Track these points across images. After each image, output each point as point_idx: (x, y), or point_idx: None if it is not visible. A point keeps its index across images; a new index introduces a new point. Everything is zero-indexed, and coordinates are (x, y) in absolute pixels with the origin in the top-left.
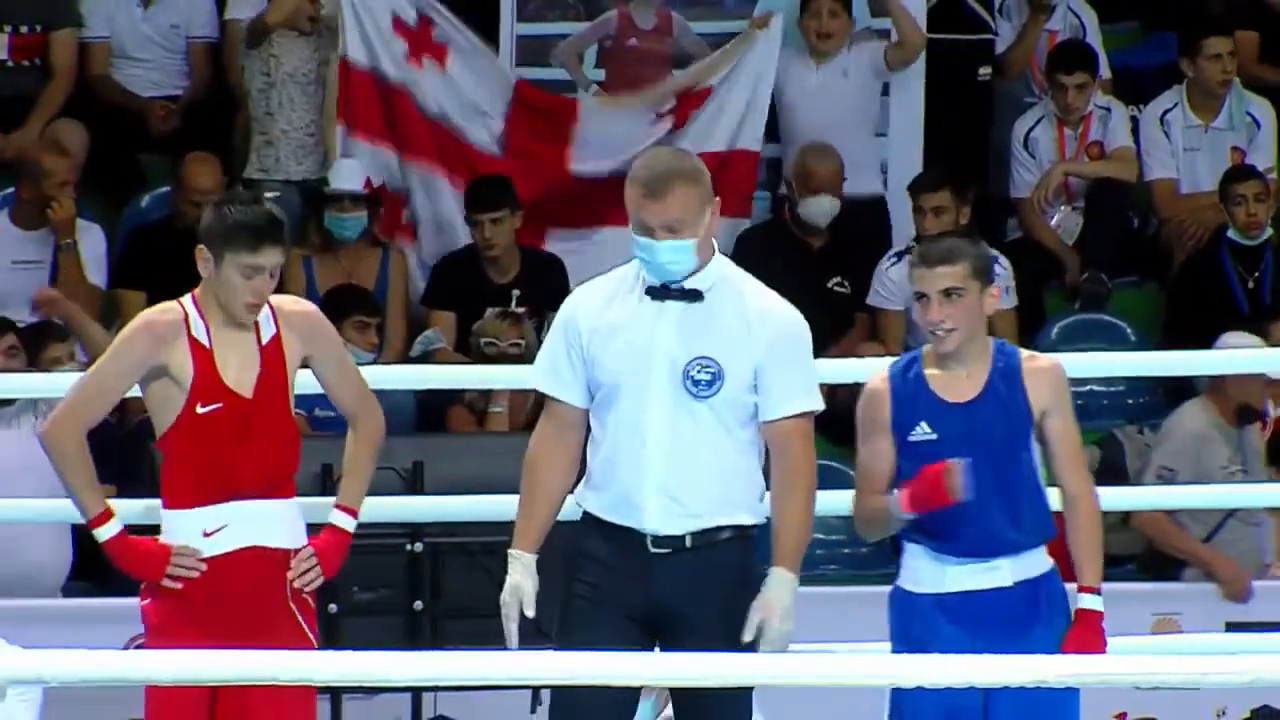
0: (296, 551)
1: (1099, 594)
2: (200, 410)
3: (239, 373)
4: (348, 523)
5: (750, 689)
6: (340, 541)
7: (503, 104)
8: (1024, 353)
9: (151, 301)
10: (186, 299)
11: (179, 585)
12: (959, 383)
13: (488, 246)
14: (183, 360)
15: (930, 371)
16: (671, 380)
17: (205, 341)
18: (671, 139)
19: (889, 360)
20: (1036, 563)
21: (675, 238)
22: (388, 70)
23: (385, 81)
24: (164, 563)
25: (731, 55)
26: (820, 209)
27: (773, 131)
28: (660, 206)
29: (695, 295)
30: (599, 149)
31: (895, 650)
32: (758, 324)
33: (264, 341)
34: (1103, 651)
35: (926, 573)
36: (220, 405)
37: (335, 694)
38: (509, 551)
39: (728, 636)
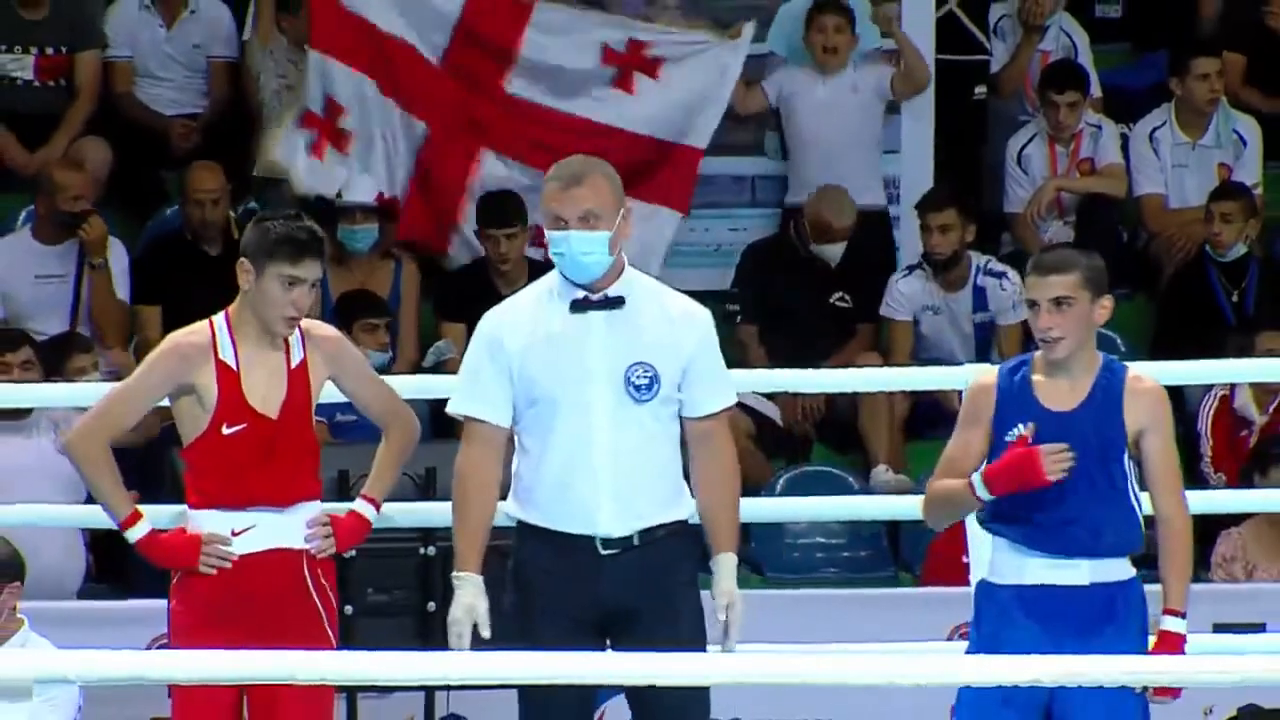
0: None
1: (1183, 617)
2: (225, 431)
3: (266, 393)
4: (369, 511)
5: (708, 689)
6: (359, 525)
7: (456, 8)
8: (1131, 372)
9: (167, 314)
10: (219, 317)
11: (213, 572)
12: (1062, 392)
13: (501, 260)
14: (208, 382)
15: (1037, 377)
16: (612, 388)
17: (233, 363)
18: (615, 97)
19: (890, 371)
20: (1116, 569)
21: (589, 229)
22: (350, 3)
23: (350, 13)
24: (196, 551)
25: (695, 40)
26: (833, 252)
27: (779, 146)
28: (576, 194)
29: (617, 302)
30: (540, 73)
31: (973, 639)
32: (681, 324)
33: (293, 365)
34: None
35: (1008, 564)
36: (245, 426)
37: (351, 693)
38: (454, 575)
39: (674, 630)
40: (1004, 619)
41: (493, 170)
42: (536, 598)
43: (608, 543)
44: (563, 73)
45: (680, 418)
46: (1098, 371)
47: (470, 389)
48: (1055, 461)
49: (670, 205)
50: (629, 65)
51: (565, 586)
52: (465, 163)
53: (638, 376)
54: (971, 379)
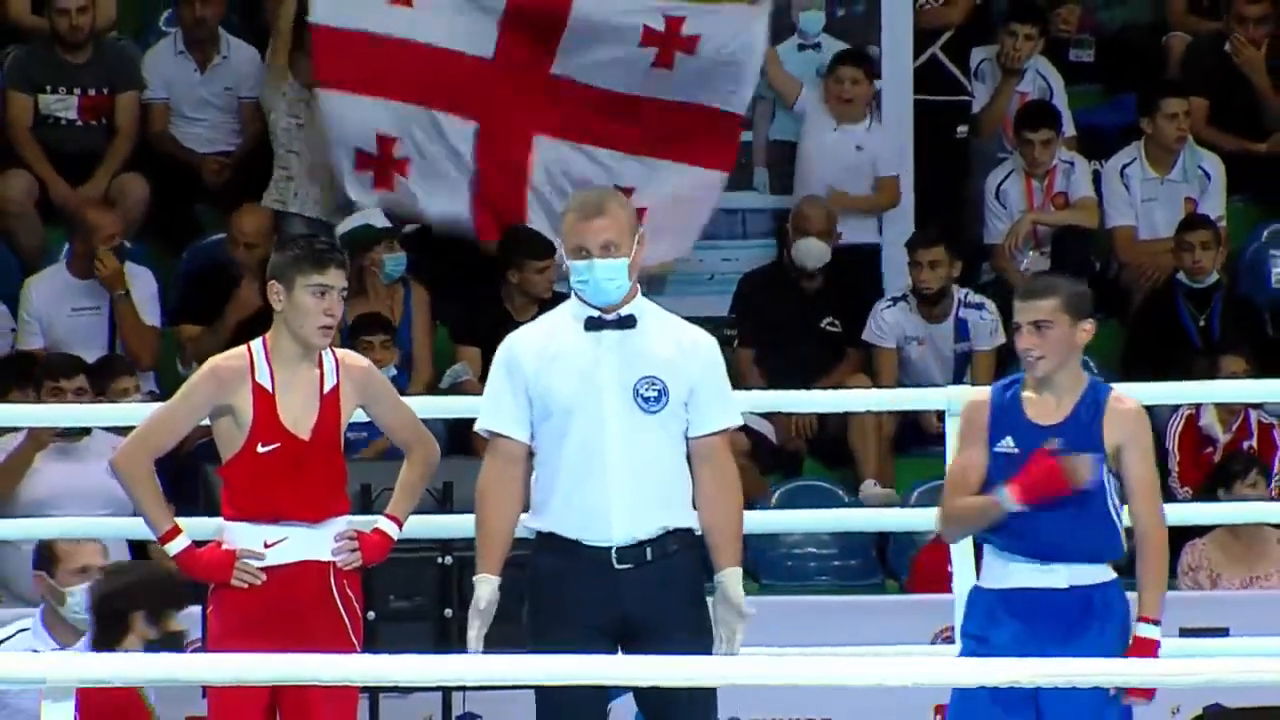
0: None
1: (1158, 625)
2: (260, 450)
3: (299, 415)
4: (392, 529)
5: (714, 690)
6: (383, 542)
7: (498, 7)
8: (1114, 392)
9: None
10: (256, 343)
11: (245, 586)
12: (1048, 408)
13: (525, 290)
14: (245, 404)
15: (1026, 394)
16: (622, 399)
17: (268, 385)
18: (656, 74)
19: (876, 393)
20: (1094, 573)
21: (610, 257)
22: (364, 24)
23: (363, 33)
24: (230, 566)
25: (721, 10)
26: (810, 251)
27: (786, 184)
28: (597, 225)
29: (629, 322)
30: (584, 57)
31: (964, 639)
32: (689, 348)
33: (326, 389)
34: None
35: (996, 570)
36: (278, 445)
37: (373, 693)
38: (476, 576)
39: (689, 639)
40: (990, 620)
41: (550, 153)
42: (551, 605)
43: (622, 555)
44: (606, 56)
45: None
46: (1083, 390)
47: (491, 407)
48: (1079, 470)
49: (715, 166)
50: (668, 44)
51: (579, 595)
52: (523, 151)
53: (646, 389)
54: (965, 398)
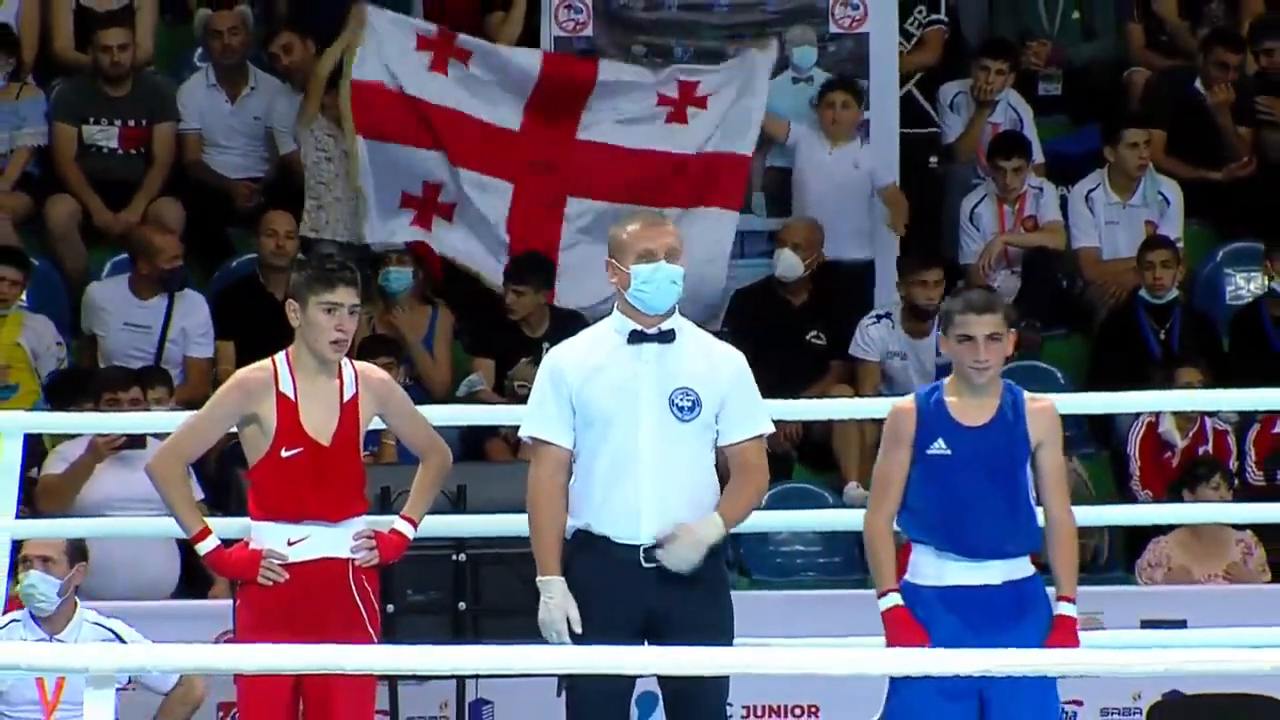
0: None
1: (1074, 602)
2: (284, 454)
3: (320, 422)
4: (408, 529)
5: (727, 679)
6: (399, 542)
7: (528, 83)
8: (1026, 393)
9: (240, 348)
10: (280, 355)
11: (269, 584)
12: (974, 410)
13: (509, 310)
14: (269, 413)
15: (951, 399)
16: (659, 408)
17: (291, 394)
18: (671, 131)
19: (859, 402)
20: (1022, 567)
21: (674, 263)
22: (404, 84)
23: (402, 93)
24: (255, 566)
25: (730, 66)
26: (785, 263)
27: (783, 207)
28: (664, 230)
29: (669, 336)
30: (607, 116)
31: None
32: (720, 362)
33: (346, 398)
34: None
35: (930, 569)
36: (301, 450)
37: (392, 681)
38: (539, 580)
39: (709, 638)
40: (929, 615)
41: (581, 210)
42: (583, 605)
43: (648, 555)
44: (625, 120)
45: (717, 447)
46: (1002, 393)
47: (537, 415)
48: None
49: (728, 206)
50: (681, 103)
51: (608, 593)
52: (556, 209)
53: (681, 398)
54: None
